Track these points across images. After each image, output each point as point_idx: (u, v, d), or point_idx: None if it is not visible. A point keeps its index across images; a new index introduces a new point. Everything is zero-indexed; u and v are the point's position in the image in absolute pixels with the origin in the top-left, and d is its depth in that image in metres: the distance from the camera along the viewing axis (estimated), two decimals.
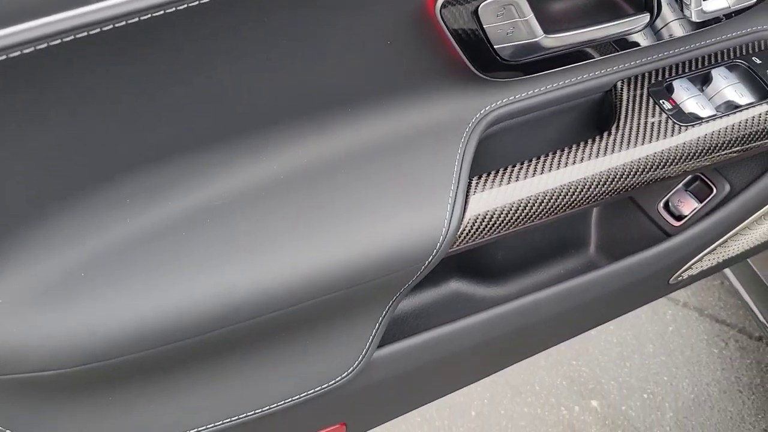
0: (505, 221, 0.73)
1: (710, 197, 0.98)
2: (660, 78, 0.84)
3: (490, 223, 0.72)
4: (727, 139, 0.81)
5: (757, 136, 0.83)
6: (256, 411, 0.73)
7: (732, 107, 0.83)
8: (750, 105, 0.83)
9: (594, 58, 0.81)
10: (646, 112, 0.80)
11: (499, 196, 0.72)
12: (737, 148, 0.83)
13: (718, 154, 0.82)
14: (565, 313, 0.97)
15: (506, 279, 1.01)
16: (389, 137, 0.72)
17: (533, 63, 0.77)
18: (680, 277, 1.06)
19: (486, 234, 0.73)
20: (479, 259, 0.98)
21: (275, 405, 0.74)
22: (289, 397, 0.74)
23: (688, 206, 0.99)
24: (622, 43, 0.82)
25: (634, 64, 0.84)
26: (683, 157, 0.80)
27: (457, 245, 0.73)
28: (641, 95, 0.81)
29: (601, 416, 1.82)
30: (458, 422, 1.80)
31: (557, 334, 1.06)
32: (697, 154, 0.80)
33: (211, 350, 0.67)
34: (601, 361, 1.93)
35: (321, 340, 0.74)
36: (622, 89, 0.82)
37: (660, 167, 0.79)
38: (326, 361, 0.76)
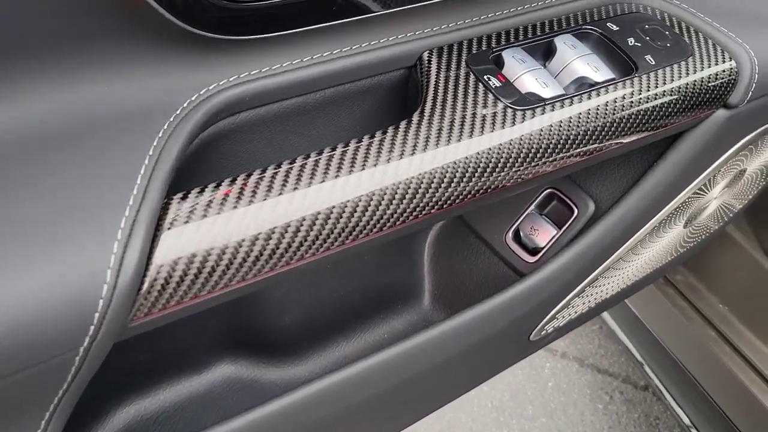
0: (233, 269, 0.43)
1: (571, 221, 0.72)
2: (485, 47, 0.58)
3: (204, 274, 0.42)
4: (583, 129, 0.56)
5: (622, 126, 0.58)
6: None
7: (587, 86, 0.58)
8: (610, 83, 0.58)
9: (380, 12, 0.54)
10: (465, 92, 0.53)
11: (218, 227, 0.42)
12: (598, 145, 0.58)
13: (571, 152, 0.57)
14: (393, 391, 0.68)
15: (303, 353, 0.70)
16: (29, 134, 0.41)
17: (283, 15, 0.50)
18: (543, 331, 0.79)
19: (201, 294, 0.43)
20: (255, 327, 0.68)
21: None
22: None
23: (545, 235, 0.74)
24: None
25: (446, 27, 0.58)
26: (522, 157, 0.53)
27: (145, 316, 0.41)
28: (457, 69, 0.55)
29: None
30: None
31: (387, 421, 0.76)
32: (541, 152, 0.54)
33: None
34: (475, 430, 1.65)
35: None
36: (430, 62, 0.55)
37: (487, 173, 0.52)
38: None
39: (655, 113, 0.60)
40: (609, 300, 0.87)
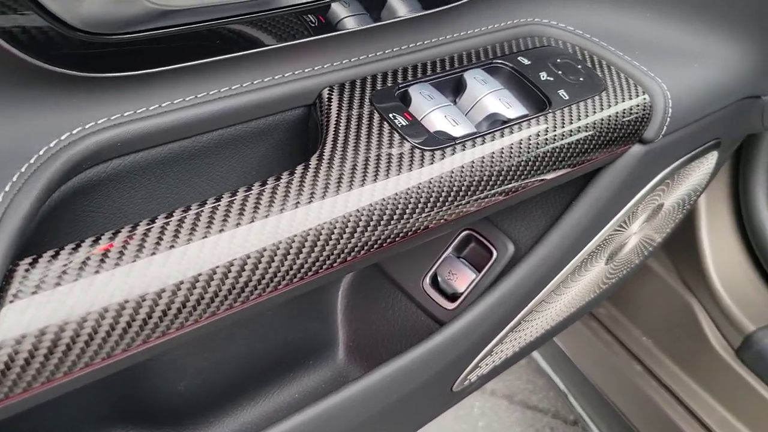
0: (95, 345, 0.36)
1: (490, 264, 0.69)
2: (390, 83, 0.54)
3: (58, 354, 0.35)
4: (497, 169, 0.52)
5: (538, 164, 0.55)
6: None
7: (499, 123, 0.55)
8: (524, 119, 0.55)
9: (274, 45, 0.49)
10: (368, 132, 0.49)
11: (75, 297, 0.36)
12: (514, 185, 0.55)
13: (485, 194, 0.53)
14: None
15: (203, 421, 0.63)
16: None
17: (161, 49, 0.44)
18: (467, 381, 0.75)
19: (56, 377, 0.36)
20: (147, 396, 0.61)
21: None
22: None
23: (464, 279, 0.69)
24: (321, 29, 0.51)
25: (348, 62, 0.53)
26: (432, 202, 0.49)
27: None
28: (360, 107, 0.51)
29: None
30: None
31: None
32: (453, 196, 0.50)
33: None
34: None
35: None
36: (330, 99, 0.51)
37: (394, 220, 0.47)
38: None
39: (570, 150, 0.57)
40: (533, 342, 0.84)
